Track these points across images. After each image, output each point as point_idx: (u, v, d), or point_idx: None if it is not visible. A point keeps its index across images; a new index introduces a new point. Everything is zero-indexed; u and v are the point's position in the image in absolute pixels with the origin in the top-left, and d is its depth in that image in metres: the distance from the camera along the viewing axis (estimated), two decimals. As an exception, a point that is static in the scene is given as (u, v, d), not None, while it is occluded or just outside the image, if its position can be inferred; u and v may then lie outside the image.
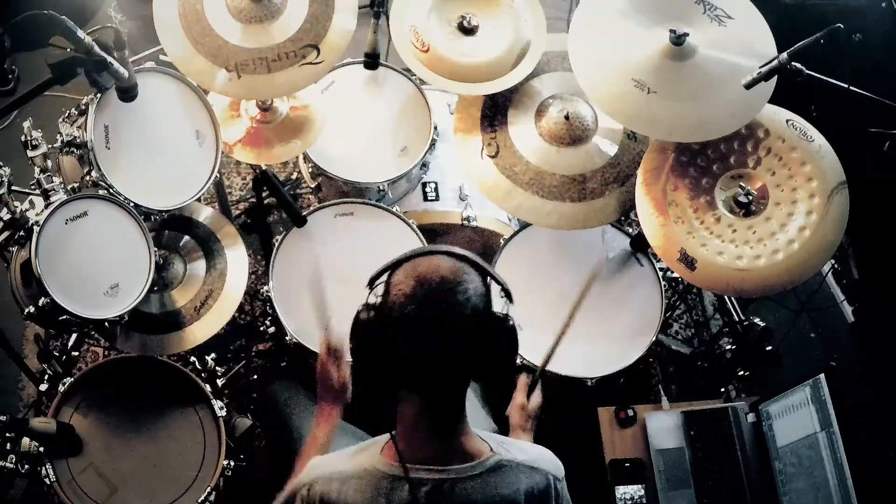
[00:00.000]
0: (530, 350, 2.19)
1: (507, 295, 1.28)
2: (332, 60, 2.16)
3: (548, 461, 1.43)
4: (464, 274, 1.21)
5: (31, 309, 1.89)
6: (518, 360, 2.22)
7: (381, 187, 2.46)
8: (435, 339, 1.20)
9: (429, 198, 2.60)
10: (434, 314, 1.19)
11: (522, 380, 1.74)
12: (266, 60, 2.11)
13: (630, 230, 2.47)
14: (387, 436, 1.33)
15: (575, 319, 1.64)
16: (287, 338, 2.26)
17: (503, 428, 1.96)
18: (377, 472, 1.31)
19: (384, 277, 1.25)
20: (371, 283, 1.27)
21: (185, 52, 2.10)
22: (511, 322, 1.26)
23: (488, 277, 1.25)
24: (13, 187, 2.00)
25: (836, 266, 2.90)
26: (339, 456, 1.40)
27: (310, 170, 2.58)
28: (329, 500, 1.31)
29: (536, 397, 1.72)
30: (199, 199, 2.28)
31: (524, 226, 2.42)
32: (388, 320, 1.22)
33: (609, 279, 2.39)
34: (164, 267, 2.28)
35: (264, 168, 2.09)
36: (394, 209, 2.43)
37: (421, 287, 1.20)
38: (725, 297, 2.87)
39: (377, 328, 1.24)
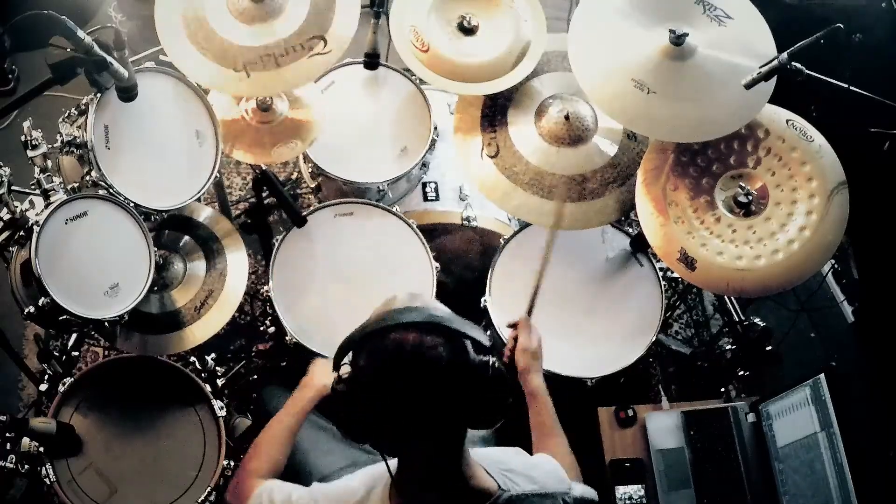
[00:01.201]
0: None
1: (485, 350, 1.23)
2: (340, 49, 2.15)
3: (554, 479, 1.42)
4: (431, 349, 1.17)
5: (31, 309, 1.89)
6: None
7: (381, 187, 2.46)
8: (414, 409, 1.18)
9: (429, 198, 2.60)
10: (407, 390, 1.17)
11: (521, 323, 1.78)
12: (274, 56, 2.11)
13: (630, 230, 2.47)
14: (388, 477, 1.30)
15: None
16: (287, 338, 2.26)
17: (502, 439, 1.96)
18: None
19: (348, 358, 1.22)
20: (336, 365, 1.24)
21: (193, 58, 2.10)
22: (492, 370, 1.21)
23: (461, 336, 1.21)
24: (13, 187, 2.00)
25: (836, 266, 2.90)
26: (343, 498, 1.36)
27: (310, 170, 2.58)
28: None
29: (535, 337, 1.75)
30: (199, 199, 2.28)
31: (524, 226, 2.42)
32: (362, 393, 1.20)
33: (609, 279, 2.39)
34: (164, 267, 2.28)
35: (264, 168, 2.09)
36: (394, 209, 2.43)
37: (388, 372, 1.17)
38: (725, 297, 2.87)
39: (354, 399, 1.21)
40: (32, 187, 2.02)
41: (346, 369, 1.22)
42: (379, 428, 1.21)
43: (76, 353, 2.40)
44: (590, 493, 1.51)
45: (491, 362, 1.22)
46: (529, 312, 1.84)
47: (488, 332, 2.43)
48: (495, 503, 1.30)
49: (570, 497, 1.42)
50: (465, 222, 2.52)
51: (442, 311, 1.24)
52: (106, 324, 2.04)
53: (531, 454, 1.54)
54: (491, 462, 1.35)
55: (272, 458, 1.53)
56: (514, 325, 1.82)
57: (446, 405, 1.19)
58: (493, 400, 1.23)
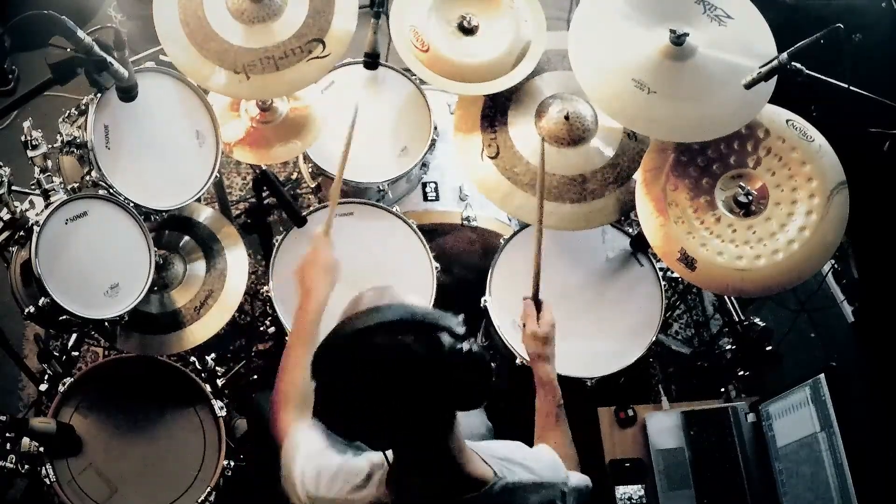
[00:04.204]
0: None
1: (458, 336, 1.20)
2: (338, 52, 2.15)
3: (550, 470, 1.42)
4: (402, 347, 1.15)
5: (31, 309, 1.89)
6: (519, 361, 2.23)
7: (381, 187, 2.46)
8: (395, 405, 1.17)
9: (429, 198, 2.59)
10: (385, 390, 1.16)
11: (526, 307, 1.74)
12: (273, 59, 2.11)
13: (630, 230, 2.47)
14: (385, 466, 1.30)
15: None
16: (287, 338, 2.26)
17: (500, 428, 1.96)
18: None
19: (324, 366, 1.21)
20: (315, 374, 1.22)
21: (192, 59, 2.09)
22: (464, 353, 1.18)
23: (432, 327, 1.19)
24: (13, 187, 2.00)
25: (836, 266, 2.90)
26: (347, 479, 1.36)
27: (310, 170, 2.58)
28: None
29: (545, 322, 1.70)
30: (199, 199, 2.28)
31: (524, 226, 2.42)
32: (343, 397, 1.18)
33: (609, 279, 2.39)
34: (164, 267, 2.28)
35: (264, 168, 2.09)
36: (394, 209, 2.43)
37: (363, 376, 1.16)
38: (725, 297, 2.87)
39: (335, 404, 1.20)
40: (32, 187, 2.02)
41: (325, 379, 1.20)
42: (364, 426, 1.21)
43: (76, 353, 2.40)
44: (584, 481, 1.51)
45: (465, 347, 1.19)
46: (535, 296, 1.77)
47: (480, 331, 2.43)
48: (490, 490, 1.30)
49: (567, 487, 1.43)
50: (465, 222, 2.52)
51: (410, 305, 1.23)
52: (106, 324, 2.04)
53: (532, 442, 1.55)
54: (488, 453, 1.35)
55: (298, 383, 1.57)
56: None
57: (426, 396, 1.18)
58: (474, 382, 1.22)
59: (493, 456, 1.35)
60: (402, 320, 1.18)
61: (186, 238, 2.36)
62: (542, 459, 1.44)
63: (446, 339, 1.18)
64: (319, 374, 1.20)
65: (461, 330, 1.20)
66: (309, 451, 1.42)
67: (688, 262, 2.06)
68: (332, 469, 1.37)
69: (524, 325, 1.72)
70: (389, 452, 1.29)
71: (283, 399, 1.55)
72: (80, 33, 1.73)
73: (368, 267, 2.34)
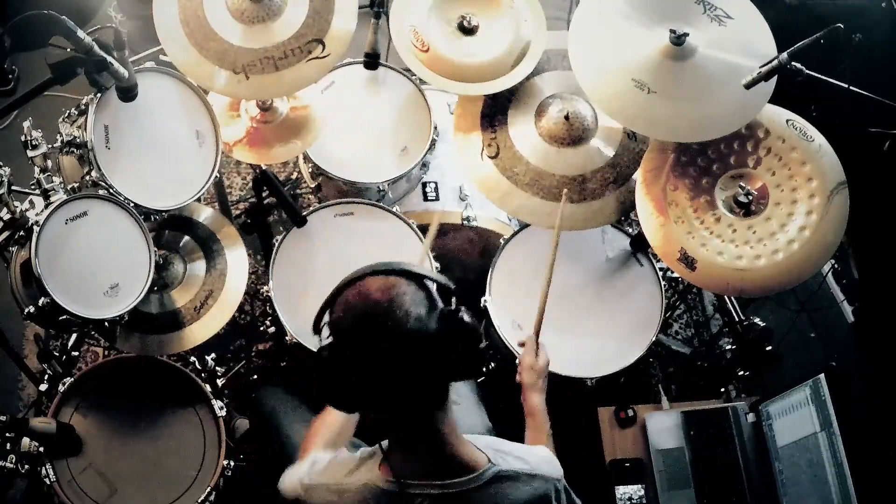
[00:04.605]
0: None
1: (445, 291, 1.25)
2: (338, 53, 2.15)
3: (546, 464, 1.43)
4: (395, 289, 1.20)
5: (31, 309, 1.89)
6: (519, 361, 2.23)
7: (381, 187, 2.46)
8: (390, 362, 1.19)
9: (429, 198, 2.60)
10: (379, 340, 1.18)
11: (527, 343, 1.81)
12: (273, 59, 2.11)
13: (630, 230, 2.47)
14: (379, 453, 1.33)
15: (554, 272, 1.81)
16: (287, 338, 2.26)
17: (500, 427, 1.96)
18: (375, 488, 1.31)
19: (326, 318, 1.24)
20: (316, 329, 1.26)
21: (192, 59, 2.09)
22: (461, 314, 1.23)
23: (424, 280, 1.24)
24: (13, 187, 2.00)
25: (836, 266, 2.90)
26: (340, 466, 1.40)
27: (310, 170, 2.58)
28: None
29: (543, 356, 1.78)
30: (199, 199, 2.28)
31: (524, 226, 2.42)
32: (343, 356, 1.21)
33: (609, 279, 2.39)
34: (164, 267, 2.28)
35: (264, 168, 2.09)
36: (394, 209, 2.43)
37: (357, 319, 1.20)
38: (725, 297, 2.87)
39: (337, 365, 1.22)
40: (32, 187, 2.02)
41: (325, 339, 1.24)
42: (363, 386, 1.22)
43: (76, 353, 2.40)
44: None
45: (457, 307, 1.23)
46: (537, 333, 1.85)
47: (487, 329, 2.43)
48: (482, 475, 1.31)
49: (562, 484, 1.43)
50: (465, 222, 2.52)
51: (405, 263, 1.27)
52: (106, 324, 2.04)
53: None
54: (484, 443, 1.37)
55: (331, 422, 1.63)
56: (522, 344, 1.85)
57: (420, 348, 1.20)
58: (465, 345, 1.23)
59: (489, 447, 1.36)
60: (393, 269, 1.23)
61: (186, 238, 2.36)
62: (539, 455, 1.45)
63: (433, 287, 1.24)
64: (318, 330, 1.24)
65: (451, 286, 1.25)
66: (313, 461, 1.47)
67: (688, 262, 2.06)
68: (324, 462, 1.43)
69: (522, 360, 1.79)
70: (384, 443, 1.32)
71: (314, 433, 1.61)
72: (80, 33, 1.73)
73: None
